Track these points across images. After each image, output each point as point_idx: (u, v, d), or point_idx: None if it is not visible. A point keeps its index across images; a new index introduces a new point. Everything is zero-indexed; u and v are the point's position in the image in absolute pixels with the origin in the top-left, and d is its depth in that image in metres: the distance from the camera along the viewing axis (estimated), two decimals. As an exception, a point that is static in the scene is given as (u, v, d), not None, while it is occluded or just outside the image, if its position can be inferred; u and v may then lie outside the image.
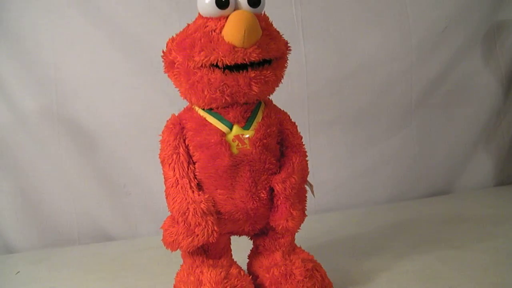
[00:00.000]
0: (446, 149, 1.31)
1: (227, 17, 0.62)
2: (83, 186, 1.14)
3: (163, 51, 0.68)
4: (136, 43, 1.13)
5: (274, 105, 0.73)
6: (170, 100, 1.09)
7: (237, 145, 0.66)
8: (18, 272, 0.95)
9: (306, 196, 0.74)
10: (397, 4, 1.23)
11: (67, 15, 1.09)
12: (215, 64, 0.62)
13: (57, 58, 1.10)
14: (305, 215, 0.72)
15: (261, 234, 0.75)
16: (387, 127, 1.27)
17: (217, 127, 0.67)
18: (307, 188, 0.74)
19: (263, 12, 0.67)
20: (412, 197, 1.29)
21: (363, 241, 0.99)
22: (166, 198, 0.68)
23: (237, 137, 0.67)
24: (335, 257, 0.89)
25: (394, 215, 1.15)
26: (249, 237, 0.77)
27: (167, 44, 0.68)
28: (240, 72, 0.62)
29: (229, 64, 0.61)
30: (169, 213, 0.69)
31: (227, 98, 0.64)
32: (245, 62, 0.62)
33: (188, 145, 0.68)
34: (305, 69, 1.26)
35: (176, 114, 0.70)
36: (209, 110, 0.67)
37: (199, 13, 0.66)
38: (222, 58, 0.61)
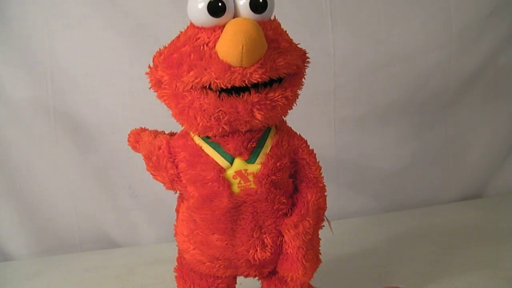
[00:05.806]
0: (482, 148, 1.18)
1: (223, 27, 0.49)
2: (83, 187, 1.03)
3: (149, 66, 0.57)
4: (142, 28, 0.99)
5: (288, 128, 0.60)
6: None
7: (239, 182, 0.54)
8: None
9: (319, 239, 0.61)
10: (438, -13, 1.08)
11: (62, -7, 0.95)
12: (207, 86, 0.49)
13: (51, 43, 0.97)
14: (319, 261, 0.60)
15: (270, 274, 0.63)
16: (419, 124, 1.14)
17: (214, 161, 0.54)
18: (325, 223, 0.62)
19: (272, 17, 0.53)
20: (442, 201, 1.18)
21: (385, 254, 0.92)
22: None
23: (238, 173, 0.54)
24: (356, 274, 0.83)
25: (421, 222, 1.07)
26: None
27: (153, 59, 0.56)
28: (240, 96, 0.50)
29: (224, 88, 0.49)
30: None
31: (224, 127, 0.51)
32: (244, 84, 0.49)
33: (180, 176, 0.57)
34: (333, 59, 1.11)
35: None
36: (206, 138, 0.55)
37: (190, 21, 0.53)
38: (216, 80, 0.48)
